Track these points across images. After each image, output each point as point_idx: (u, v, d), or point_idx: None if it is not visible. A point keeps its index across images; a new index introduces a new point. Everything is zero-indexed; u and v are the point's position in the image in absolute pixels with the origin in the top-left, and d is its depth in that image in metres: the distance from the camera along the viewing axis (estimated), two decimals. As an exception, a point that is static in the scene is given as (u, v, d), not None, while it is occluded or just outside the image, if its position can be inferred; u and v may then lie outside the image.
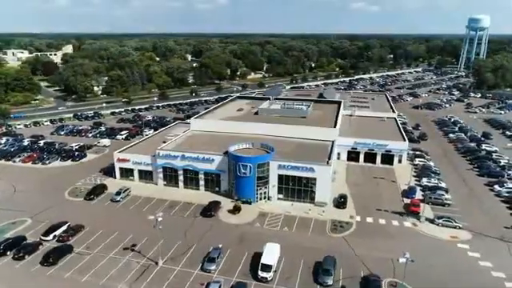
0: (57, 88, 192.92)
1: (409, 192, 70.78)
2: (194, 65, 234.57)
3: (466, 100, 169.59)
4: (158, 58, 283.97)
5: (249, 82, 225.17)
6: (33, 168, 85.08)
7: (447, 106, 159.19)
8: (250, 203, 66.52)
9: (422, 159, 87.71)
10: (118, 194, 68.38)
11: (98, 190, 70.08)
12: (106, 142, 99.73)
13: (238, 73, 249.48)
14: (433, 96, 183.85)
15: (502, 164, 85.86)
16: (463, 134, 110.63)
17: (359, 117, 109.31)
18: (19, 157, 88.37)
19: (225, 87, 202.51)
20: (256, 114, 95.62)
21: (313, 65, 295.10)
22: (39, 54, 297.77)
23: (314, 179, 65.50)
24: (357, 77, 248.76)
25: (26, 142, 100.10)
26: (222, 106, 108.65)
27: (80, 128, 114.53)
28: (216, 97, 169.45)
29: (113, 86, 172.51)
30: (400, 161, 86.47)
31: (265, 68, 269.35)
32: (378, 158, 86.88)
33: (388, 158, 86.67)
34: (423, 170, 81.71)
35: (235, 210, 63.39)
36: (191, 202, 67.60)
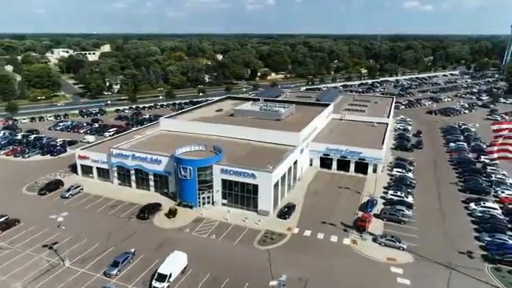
0: (81, 85, 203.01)
1: (367, 205, 64.99)
2: (207, 63, 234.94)
3: (491, 106, 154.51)
4: (187, 57, 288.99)
5: (266, 83, 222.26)
6: (11, 161, 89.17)
7: (466, 112, 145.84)
8: (191, 207, 64.50)
9: (401, 170, 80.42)
10: (68, 190, 69.43)
11: (52, 185, 71.56)
12: (90, 138, 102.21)
13: (259, 73, 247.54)
14: (456, 100, 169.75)
15: (493, 179, 76.57)
16: (465, 144, 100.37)
17: (349, 121, 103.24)
18: (4, 150, 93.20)
19: (235, 88, 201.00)
20: (231, 115, 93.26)
21: (337, 65, 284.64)
22: (75, 53, 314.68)
23: (257, 186, 62.10)
24: (382, 79, 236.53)
25: (19, 136, 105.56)
26: (206, 106, 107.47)
27: (74, 124, 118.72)
28: (223, 96, 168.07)
29: (126, 84, 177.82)
30: (375, 170, 79.97)
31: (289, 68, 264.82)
32: (352, 166, 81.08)
33: (362, 167, 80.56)
34: (397, 182, 74.89)
35: (170, 214, 61.69)
36: (136, 202, 66.75)
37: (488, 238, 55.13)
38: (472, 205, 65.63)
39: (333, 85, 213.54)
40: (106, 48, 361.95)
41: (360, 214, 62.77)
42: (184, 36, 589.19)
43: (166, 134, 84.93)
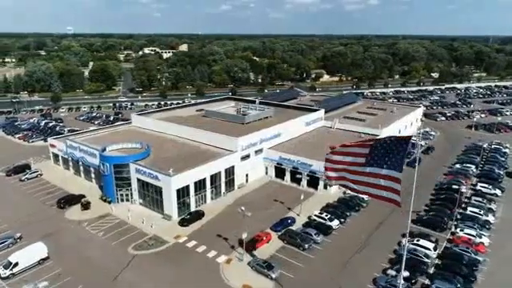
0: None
1: (280, 223, 58.76)
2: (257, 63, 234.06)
3: None
4: (256, 58, 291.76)
5: (313, 85, 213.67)
6: (19, 144, 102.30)
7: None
8: (109, 202, 66.13)
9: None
10: (26, 174, 77.03)
11: (19, 168, 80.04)
12: (92, 128, 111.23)
13: (313, 75, 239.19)
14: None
15: (466, 212, 62.32)
16: (473, 167, 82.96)
17: (340, 130, 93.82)
18: (19, 134, 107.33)
19: (271, 88, 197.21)
20: (204, 116, 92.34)
21: (403, 69, 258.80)
22: (161, 51, 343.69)
23: (161, 189, 60.85)
24: (448, 85, 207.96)
25: (42, 124, 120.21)
26: (196, 105, 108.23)
27: (93, 116, 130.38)
28: (224, 96, 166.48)
29: (169, 81, 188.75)
30: (326, 186, 71.41)
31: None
32: (304, 180, 73.73)
33: (314, 181, 72.72)
34: (341, 202, 65.96)
35: (83, 207, 64.06)
36: (73, 192, 70.89)
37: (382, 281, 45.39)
38: (404, 240, 54.38)
39: (382, 90, 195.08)
40: (184, 47, 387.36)
41: (270, 231, 57.14)
42: (280, 36, 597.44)
43: (132, 130, 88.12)
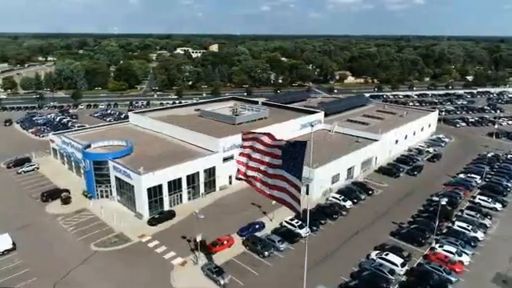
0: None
1: (248, 228, 57.10)
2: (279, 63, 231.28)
3: None
4: (284, 58, 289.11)
5: (337, 87, 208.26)
6: (29, 137, 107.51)
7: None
8: (90, 198, 67.48)
9: (343, 197, 66.81)
10: (22, 167, 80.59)
11: (19, 161, 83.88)
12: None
13: (337, 76, 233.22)
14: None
15: (454, 227, 57.36)
16: (478, 178, 76.39)
17: (338, 134, 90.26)
18: (32, 128, 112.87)
19: (289, 89, 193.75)
20: (200, 116, 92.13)
21: (434, 71, 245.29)
22: (181, 51, 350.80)
23: (134, 187, 61.14)
24: (481, 89, 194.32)
25: (57, 119, 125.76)
26: (198, 104, 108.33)
27: (105, 113, 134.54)
28: (229, 97, 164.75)
29: (188, 81, 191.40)
30: (308, 192, 68.60)
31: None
32: (288, 184, 71.26)
33: (297, 186, 70.09)
34: (319, 209, 63.11)
35: (62, 202, 65.74)
36: (61, 187, 72.96)
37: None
38: (373, 254, 50.90)
39: (406, 93, 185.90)
40: (214, 48, 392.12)
41: (234, 236, 55.73)
42: (316, 37, 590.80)
43: (128, 128, 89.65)
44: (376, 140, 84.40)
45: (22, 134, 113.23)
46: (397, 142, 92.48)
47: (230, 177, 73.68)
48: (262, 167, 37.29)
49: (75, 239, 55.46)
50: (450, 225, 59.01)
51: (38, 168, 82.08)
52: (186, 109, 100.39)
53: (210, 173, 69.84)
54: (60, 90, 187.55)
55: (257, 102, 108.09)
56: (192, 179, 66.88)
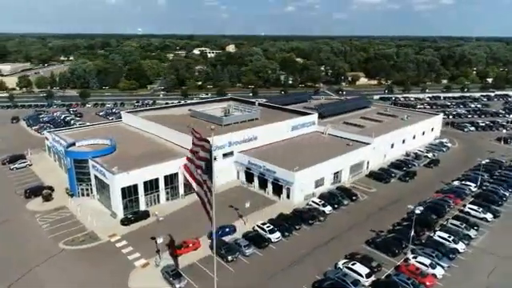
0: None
1: (218, 231, 55.89)
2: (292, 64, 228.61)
3: None
4: (299, 59, 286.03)
5: (349, 88, 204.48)
6: (32, 135, 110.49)
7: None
8: (71, 196, 68.17)
9: (322, 201, 64.66)
10: (14, 164, 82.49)
11: (13, 158, 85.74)
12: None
13: (350, 78, 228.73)
14: None
15: (434, 237, 54.40)
16: (473, 186, 72.34)
17: (331, 136, 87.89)
18: (36, 126, 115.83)
19: (299, 90, 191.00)
20: (192, 116, 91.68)
21: (452, 73, 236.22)
22: (199, 51, 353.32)
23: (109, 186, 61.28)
24: (499, 92, 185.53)
25: (62, 116, 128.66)
26: (192, 104, 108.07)
27: (110, 112, 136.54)
28: (227, 97, 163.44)
29: (197, 81, 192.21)
30: (288, 196, 66.89)
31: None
32: (270, 186, 69.88)
33: (278, 189, 68.62)
34: (296, 213, 61.28)
35: (44, 199, 66.61)
36: (48, 184, 74.08)
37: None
38: (340, 263, 48.75)
39: (418, 95, 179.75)
40: (231, 48, 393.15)
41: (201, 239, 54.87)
42: (338, 37, 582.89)
43: (119, 127, 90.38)
44: (368, 143, 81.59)
45: (26, 131, 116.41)
46: (392, 146, 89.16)
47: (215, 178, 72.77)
48: (199, 172, 36.64)
49: (47, 236, 55.96)
50: (431, 234, 56.07)
51: (30, 165, 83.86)
52: (180, 109, 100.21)
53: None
54: (73, 88, 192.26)
55: (253, 103, 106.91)
56: (170, 180, 66.49)
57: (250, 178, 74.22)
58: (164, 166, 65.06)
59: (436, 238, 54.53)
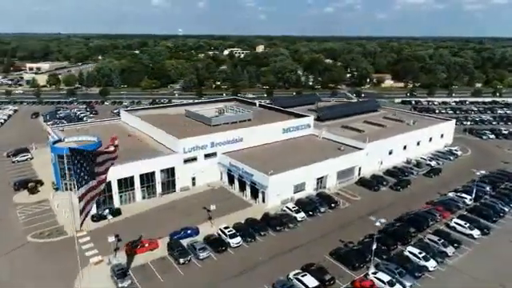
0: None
1: (179, 232, 55.49)
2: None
3: None
4: (328, 60, 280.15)
5: (369, 91, 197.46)
6: (44, 129, 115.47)
7: None
8: (56, 190, 70.47)
9: (296, 208, 62.25)
10: (16, 157, 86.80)
11: (18, 152, 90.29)
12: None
13: (375, 80, 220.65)
14: None
15: (405, 252, 50.44)
16: (468, 199, 66.55)
17: (325, 139, 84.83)
18: (50, 121, 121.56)
19: (320, 92, 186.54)
20: (187, 116, 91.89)
21: (487, 76, 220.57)
22: (229, 52, 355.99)
23: (85, 182, 62.41)
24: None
25: (77, 113, 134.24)
26: (192, 104, 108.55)
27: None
28: (231, 97, 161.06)
29: (217, 81, 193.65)
30: (264, 200, 65.02)
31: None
32: (248, 189, 68.43)
33: (256, 192, 66.96)
34: (265, 218, 59.41)
35: (29, 191, 69.27)
36: (41, 177, 77.16)
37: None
38: (291, 274, 46.39)
39: (442, 99, 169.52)
40: (261, 48, 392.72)
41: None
42: (377, 38, 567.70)
43: (116, 125, 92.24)
44: (360, 149, 77.76)
45: (41, 126, 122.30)
46: (391, 152, 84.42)
47: (194, 179, 72.61)
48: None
49: (20, 228, 58.08)
50: (403, 249, 52.19)
51: (31, 158, 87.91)
52: (178, 109, 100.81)
53: (169, 173, 69.29)
54: (99, 87, 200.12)
55: (255, 104, 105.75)
56: (147, 178, 66.87)
57: (232, 179, 73.19)
58: (140, 165, 65.55)
59: (406, 253, 50.67)
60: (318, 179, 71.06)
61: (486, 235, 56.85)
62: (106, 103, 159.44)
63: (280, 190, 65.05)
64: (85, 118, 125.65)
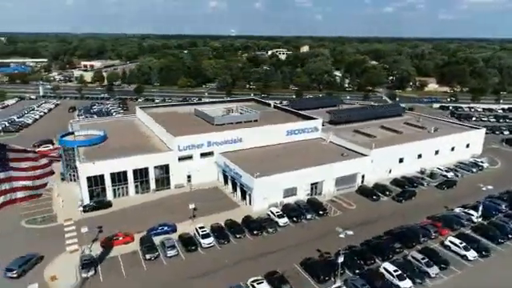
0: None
1: (157, 227, 56.26)
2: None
3: None
4: (374, 62, 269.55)
5: (409, 95, 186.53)
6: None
7: None
8: (62, 180, 74.75)
9: (275, 212, 60.35)
10: (39, 147, 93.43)
11: (43, 142, 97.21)
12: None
13: (417, 83, 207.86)
14: None
15: (380, 269, 46.69)
16: (475, 216, 59.94)
17: (332, 143, 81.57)
18: (82, 116, 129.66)
19: (355, 94, 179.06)
20: (196, 115, 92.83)
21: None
22: (273, 52, 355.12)
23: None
24: None
25: (109, 108, 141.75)
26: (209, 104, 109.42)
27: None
28: (249, 97, 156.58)
29: (250, 81, 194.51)
30: (250, 202, 63.79)
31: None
32: (238, 190, 67.69)
33: (245, 194, 65.99)
34: (245, 221, 58.31)
35: (38, 180, 74.06)
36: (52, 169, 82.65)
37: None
38: (249, 281, 44.88)
39: (489, 106, 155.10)
40: (305, 48, 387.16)
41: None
42: (442, 40, 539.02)
43: (130, 121, 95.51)
44: (365, 155, 73.58)
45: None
46: (401, 160, 78.92)
47: (189, 176, 73.22)
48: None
49: (19, 213, 62.21)
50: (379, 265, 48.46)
51: (51, 149, 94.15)
52: (190, 108, 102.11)
53: (164, 170, 70.50)
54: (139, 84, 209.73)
55: (269, 105, 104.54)
56: (140, 174, 68.59)
57: (226, 180, 72.83)
58: (133, 160, 67.42)
59: (381, 269, 46.97)
60: (312, 184, 68.35)
61: (485, 257, 51.06)
62: (139, 100, 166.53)
63: (267, 194, 63.48)
64: (114, 114, 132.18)
